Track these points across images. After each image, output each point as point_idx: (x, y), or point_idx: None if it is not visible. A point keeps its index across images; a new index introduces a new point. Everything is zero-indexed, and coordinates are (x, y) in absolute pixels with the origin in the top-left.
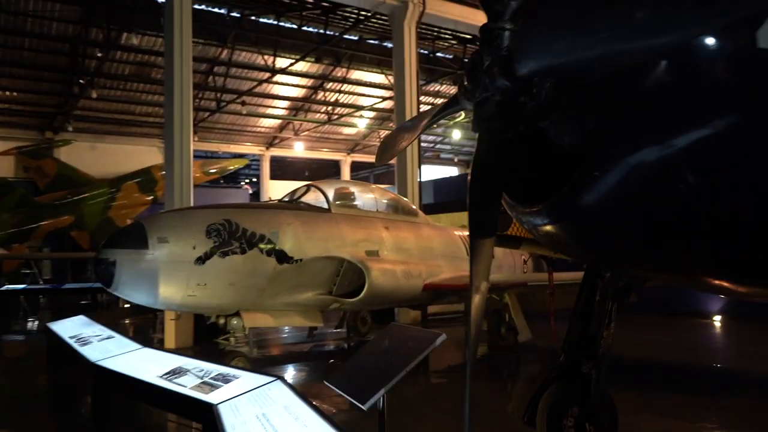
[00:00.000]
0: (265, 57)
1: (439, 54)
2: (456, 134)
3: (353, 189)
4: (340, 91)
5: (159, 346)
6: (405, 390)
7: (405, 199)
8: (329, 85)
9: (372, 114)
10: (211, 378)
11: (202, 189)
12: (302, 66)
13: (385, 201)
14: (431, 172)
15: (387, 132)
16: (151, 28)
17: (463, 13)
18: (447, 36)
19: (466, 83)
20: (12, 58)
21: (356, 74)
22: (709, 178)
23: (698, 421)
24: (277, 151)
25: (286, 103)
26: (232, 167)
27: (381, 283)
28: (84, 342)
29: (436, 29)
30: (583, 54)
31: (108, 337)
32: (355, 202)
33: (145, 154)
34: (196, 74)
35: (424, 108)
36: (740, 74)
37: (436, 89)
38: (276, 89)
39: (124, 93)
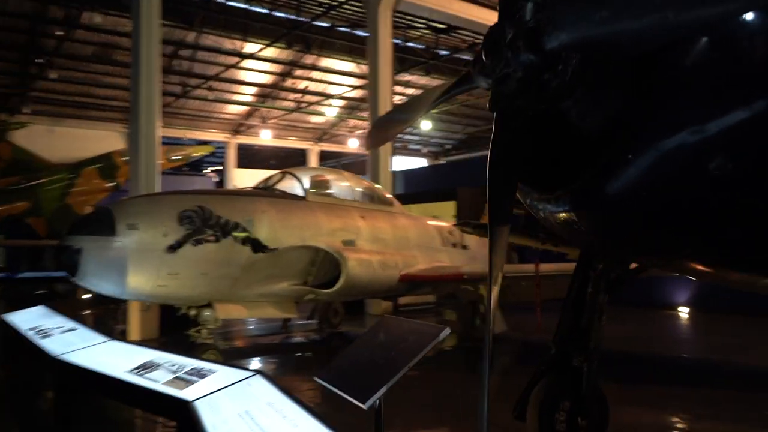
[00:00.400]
0: (234, 41)
1: (410, 44)
2: (425, 125)
3: (329, 177)
4: (309, 79)
5: (123, 338)
6: None
7: (380, 188)
8: (298, 72)
9: (341, 103)
10: (185, 373)
11: (164, 176)
12: (271, 52)
13: (361, 190)
14: (400, 163)
15: (357, 121)
16: (115, 7)
17: (439, 2)
18: (419, 25)
19: (484, 58)
20: None
21: (326, 62)
22: (755, 163)
23: (680, 412)
24: (243, 139)
25: (253, 90)
26: (196, 154)
27: (358, 273)
28: (44, 334)
29: (409, 18)
30: (626, 25)
31: (70, 329)
32: (330, 190)
33: (106, 139)
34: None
35: (398, 99)
36: None
37: (407, 79)
38: (244, 75)
39: (85, 75)
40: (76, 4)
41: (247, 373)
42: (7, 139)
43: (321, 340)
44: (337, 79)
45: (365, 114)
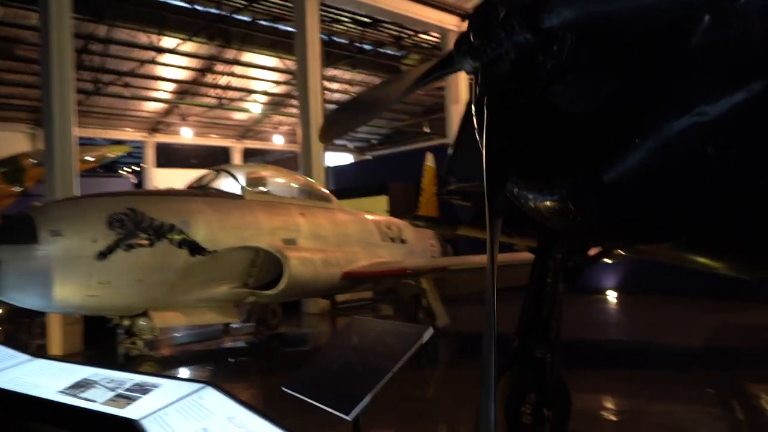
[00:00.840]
0: (150, 35)
1: (333, 38)
2: None
3: (266, 173)
4: (231, 74)
5: (45, 354)
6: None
7: (317, 183)
8: (219, 67)
9: (265, 99)
10: (126, 389)
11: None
12: (190, 46)
13: (298, 186)
14: (326, 159)
15: (282, 117)
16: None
17: None
18: (344, 19)
19: (472, 39)
20: None
21: (248, 56)
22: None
23: (631, 396)
24: (162, 138)
25: (172, 86)
26: (112, 155)
27: (300, 273)
28: None
29: (334, 11)
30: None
31: None
32: (268, 188)
33: (11, 141)
34: None
35: (329, 95)
36: None
37: (332, 74)
38: (161, 71)
39: None
40: None
41: (196, 385)
42: None
43: (260, 343)
44: (260, 74)
45: (290, 110)
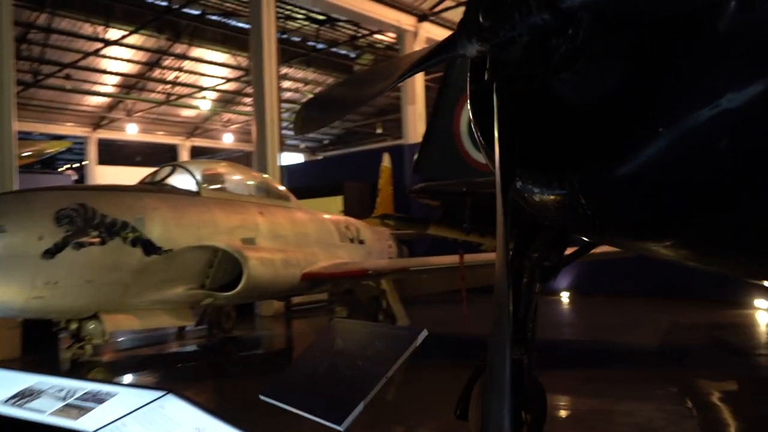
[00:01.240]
0: (95, 25)
1: (285, 35)
2: None
3: (223, 170)
4: (180, 69)
5: None
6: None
7: (275, 181)
8: (168, 61)
9: (215, 95)
10: (78, 399)
11: None
12: (137, 38)
13: (257, 184)
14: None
15: (232, 115)
16: None
17: None
18: (299, 16)
19: (481, 20)
20: None
21: (198, 51)
22: None
23: (601, 396)
24: (105, 134)
25: (117, 80)
26: (51, 150)
27: (260, 273)
28: None
29: (288, 8)
30: None
31: None
32: (226, 185)
33: None
34: None
35: (285, 94)
36: None
37: (284, 72)
38: (106, 63)
39: None
40: None
41: (157, 393)
42: None
43: (214, 347)
44: (210, 70)
45: (242, 108)
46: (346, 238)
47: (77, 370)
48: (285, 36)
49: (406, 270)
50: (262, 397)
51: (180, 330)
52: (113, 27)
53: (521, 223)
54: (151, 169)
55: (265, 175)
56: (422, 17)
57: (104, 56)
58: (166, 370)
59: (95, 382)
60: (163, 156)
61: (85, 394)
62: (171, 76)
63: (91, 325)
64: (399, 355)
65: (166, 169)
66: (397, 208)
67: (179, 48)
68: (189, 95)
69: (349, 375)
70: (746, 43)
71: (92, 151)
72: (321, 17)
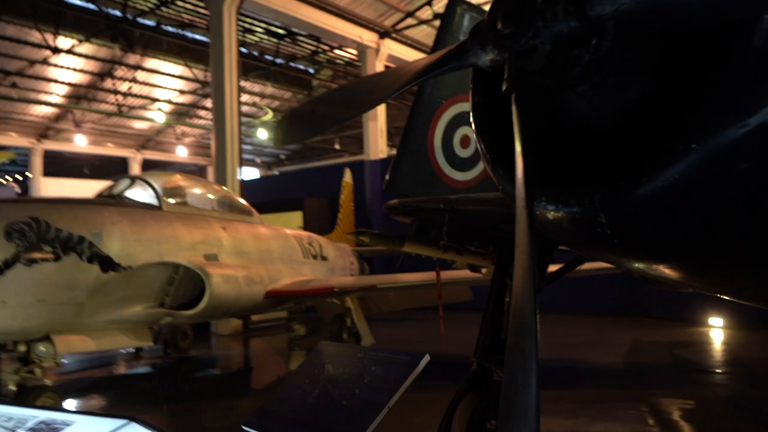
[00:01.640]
0: (44, 33)
1: (243, 49)
2: (262, 134)
3: (185, 183)
4: (132, 80)
5: None
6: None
7: (237, 196)
8: (120, 72)
9: (169, 107)
10: (29, 429)
11: None
12: (88, 47)
13: (219, 198)
14: None
15: (186, 128)
16: None
17: (286, 4)
18: (258, 30)
19: (500, 26)
20: None
21: (152, 62)
22: None
23: (574, 416)
24: (52, 145)
25: (66, 89)
26: None
27: (223, 291)
28: None
29: (248, 21)
30: None
31: None
32: (187, 199)
33: None
34: None
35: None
36: None
37: (242, 85)
38: (54, 72)
39: None
40: None
41: (119, 422)
42: None
43: (170, 368)
44: (164, 81)
45: (196, 121)
46: (309, 254)
47: (25, 396)
48: (245, 50)
49: (374, 288)
50: (244, 428)
51: (137, 350)
52: (63, 35)
53: (503, 242)
54: (100, 182)
55: (228, 190)
56: (384, 34)
57: (53, 65)
58: (122, 394)
59: (48, 410)
60: (112, 168)
61: (38, 423)
62: (123, 86)
63: (42, 347)
64: (400, 382)
65: (125, 182)
66: (358, 224)
67: (133, 58)
68: (142, 107)
69: (345, 405)
70: None
71: (37, 163)
72: (281, 31)
